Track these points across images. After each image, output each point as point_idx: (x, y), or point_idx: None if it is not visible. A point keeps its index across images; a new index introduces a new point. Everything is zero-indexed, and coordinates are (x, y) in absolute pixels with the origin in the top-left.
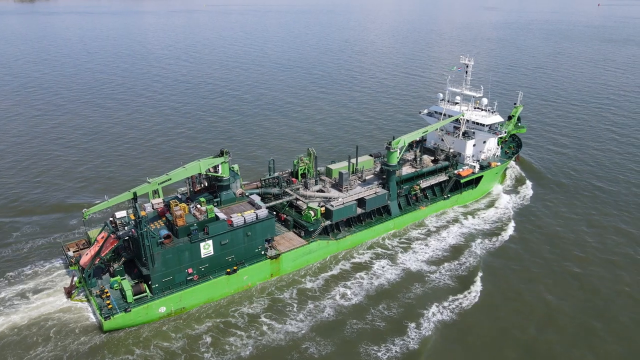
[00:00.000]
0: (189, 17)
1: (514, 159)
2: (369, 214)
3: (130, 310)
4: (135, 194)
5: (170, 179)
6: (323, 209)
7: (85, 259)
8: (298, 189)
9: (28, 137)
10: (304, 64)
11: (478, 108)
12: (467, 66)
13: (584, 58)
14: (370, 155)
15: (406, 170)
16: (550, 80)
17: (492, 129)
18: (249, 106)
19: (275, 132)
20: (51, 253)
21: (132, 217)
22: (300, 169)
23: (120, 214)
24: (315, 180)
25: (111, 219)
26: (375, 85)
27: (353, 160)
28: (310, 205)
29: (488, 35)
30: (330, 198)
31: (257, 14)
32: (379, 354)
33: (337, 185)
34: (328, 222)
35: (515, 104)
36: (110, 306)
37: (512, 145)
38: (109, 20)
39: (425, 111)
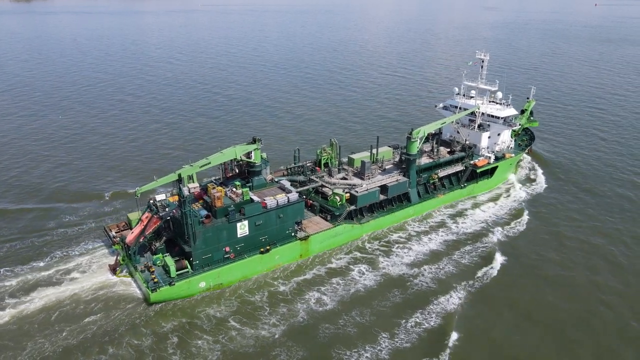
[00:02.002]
0: (187, 17)
1: (526, 151)
2: (391, 201)
3: (174, 284)
4: (179, 175)
5: (210, 163)
6: (348, 195)
7: (130, 237)
8: (322, 176)
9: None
10: (313, 65)
11: (493, 101)
12: (482, 61)
13: (589, 57)
14: (390, 147)
15: (424, 160)
16: (561, 76)
17: (506, 121)
18: (265, 101)
19: (297, 123)
20: (94, 235)
21: (171, 200)
22: (323, 159)
23: (160, 196)
24: (339, 169)
25: (151, 201)
26: (390, 82)
27: (374, 151)
28: (336, 191)
29: (493, 34)
30: (354, 185)
31: (255, 13)
32: None
33: (359, 174)
34: (353, 207)
35: (528, 98)
36: (155, 280)
37: (525, 138)
38: (106, 20)
39: (441, 105)
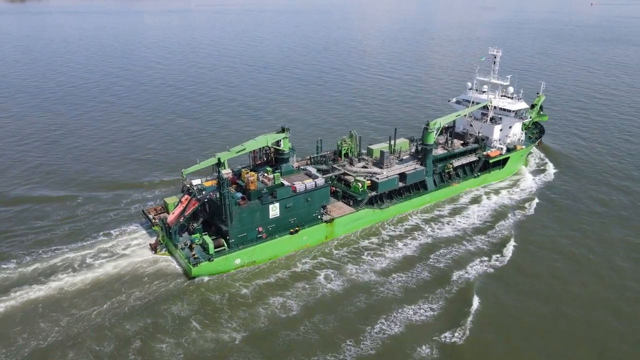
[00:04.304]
0: (183, 17)
1: (536, 143)
2: (409, 188)
3: (213, 260)
4: (219, 159)
5: (245, 149)
6: (369, 182)
7: (171, 217)
8: (344, 165)
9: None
10: (321, 64)
11: (504, 96)
12: (495, 57)
13: (586, 56)
14: (406, 138)
15: (439, 152)
16: (568, 73)
17: (518, 114)
18: (286, 95)
19: (318, 115)
20: (133, 218)
21: (206, 184)
22: (344, 149)
23: (196, 181)
24: (359, 159)
25: (187, 185)
26: (403, 79)
27: (391, 142)
28: (358, 178)
29: (495, 33)
30: (374, 173)
31: (252, 13)
32: None
33: (379, 163)
34: (373, 193)
35: (537, 93)
36: (195, 256)
37: (535, 132)
38: (100, 20)
39: (454, 99)
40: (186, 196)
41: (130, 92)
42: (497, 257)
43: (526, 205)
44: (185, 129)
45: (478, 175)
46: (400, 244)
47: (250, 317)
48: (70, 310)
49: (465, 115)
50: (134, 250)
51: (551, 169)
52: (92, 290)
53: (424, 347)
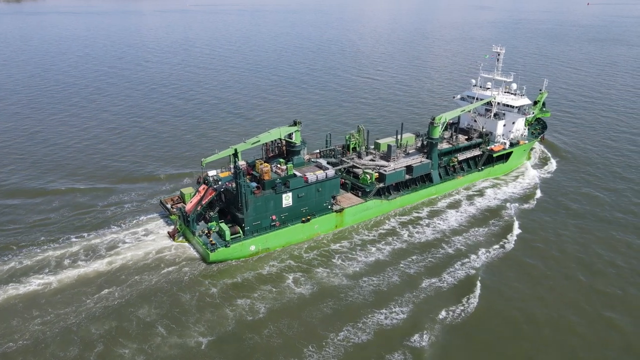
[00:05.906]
0: (181, 16)
1: (539, 139)
2: (415, 180)
3: (229, 246)
4: (236, 150)
5: (260, 140)
6: (377, 174)
7: (189, 206)
8: (352, 158)
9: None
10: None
11: (508, 92)
12: (498, 54)
13: (581, 56)
14: (412, 133)
15: (444, 146)
16: (571, 71)
17: (521, 110)
18: (295, 94)
19: (326, 111)
20: (151, 208)
21: (222, 175)
22: (352, 144)
23: (212, 172)
24: (367, 152)
25: (204, 175)
26: (409, 77)
27: (398, 136)
28: (366, 171)
29: (493, 32)
30: (382, 165)
31: (250, 13)
32: None
33: (386, 157)
34: (381, 185)
35: (540, 90)
36: (213, 242)
37: (537, 127)
38: (97, 20)
39: (459, 96)
40: (203, 186)
41: (130, 92)
42: (489, 256)
43: (528, 197)
44: (188, 127)
45: (482, 169)
46: (424, 226)
47: (218, 319)
48: (47, 309)
49: (469, 111)
50: (153, 237)
51: (553, 164)
52: (78, 286)
53: (394, 353)
